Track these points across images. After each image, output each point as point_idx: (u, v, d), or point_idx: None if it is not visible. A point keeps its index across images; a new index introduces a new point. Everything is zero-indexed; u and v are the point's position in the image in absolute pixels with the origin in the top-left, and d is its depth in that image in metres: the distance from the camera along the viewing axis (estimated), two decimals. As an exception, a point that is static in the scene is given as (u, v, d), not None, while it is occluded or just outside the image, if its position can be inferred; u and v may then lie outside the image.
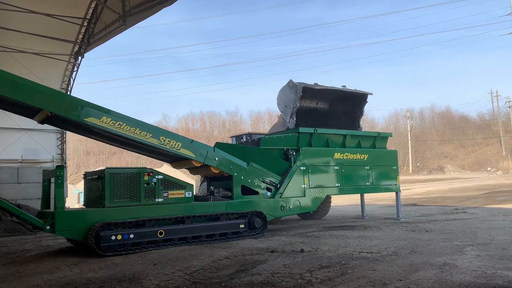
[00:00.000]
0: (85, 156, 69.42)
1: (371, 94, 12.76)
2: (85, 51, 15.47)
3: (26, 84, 7.57)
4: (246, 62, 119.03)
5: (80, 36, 15.06)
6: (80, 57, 15.38)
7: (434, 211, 14.67)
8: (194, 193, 12.48)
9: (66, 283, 5.68)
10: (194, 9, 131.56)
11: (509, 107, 60.89)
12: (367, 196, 16.03)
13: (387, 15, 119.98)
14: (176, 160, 9.99)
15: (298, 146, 10.93)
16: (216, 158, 9.53)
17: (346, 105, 13.19)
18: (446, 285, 4.71)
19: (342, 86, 12.42)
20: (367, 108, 13.23)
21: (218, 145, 9.95)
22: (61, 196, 7.69)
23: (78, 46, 15.33)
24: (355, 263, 6.14)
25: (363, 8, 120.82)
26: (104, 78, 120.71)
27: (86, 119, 8.04)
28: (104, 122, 8.19)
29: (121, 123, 8.36)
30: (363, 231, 9.82)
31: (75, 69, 15.78)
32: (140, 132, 8.55)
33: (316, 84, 11.74)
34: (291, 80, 11.73)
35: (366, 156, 12.01)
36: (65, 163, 16.02)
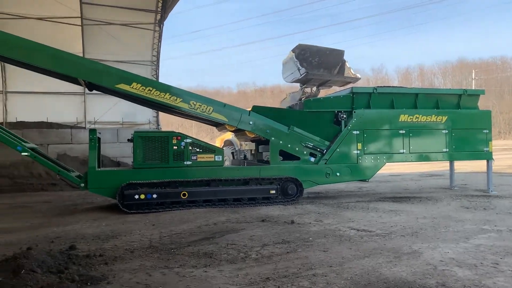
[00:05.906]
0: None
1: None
2: (163, 19, 16.32)
3: (60, 55, 8.33)
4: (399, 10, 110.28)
5: (159, 5, 15.92)
6: (161, 25, 16.35)
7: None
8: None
9: (55, 237, 6.30)
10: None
11: None
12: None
13: None
14: (218, 125, 10.07)
15: (353, 108, 9.95)
16: (251, 122, 9.30)
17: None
18: (358, 281, 3.93)
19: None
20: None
21: (256, 108, 9.65)
22: (93, 156, 8.49)
23: (160, 15, 16.25)
24: (321, 241, 5.51)
25: None
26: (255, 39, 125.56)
27: (117, 86, 8.59)
28: (134, 88, 8.62)
29: (151, 89, 8.70)
30: (410, 205, 8.63)
31: (160, 37, 16.85)
32: (170, 97, 8.79)
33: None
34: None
35: (444, 118, 10.34)
36: (159, 125, 17.49)
